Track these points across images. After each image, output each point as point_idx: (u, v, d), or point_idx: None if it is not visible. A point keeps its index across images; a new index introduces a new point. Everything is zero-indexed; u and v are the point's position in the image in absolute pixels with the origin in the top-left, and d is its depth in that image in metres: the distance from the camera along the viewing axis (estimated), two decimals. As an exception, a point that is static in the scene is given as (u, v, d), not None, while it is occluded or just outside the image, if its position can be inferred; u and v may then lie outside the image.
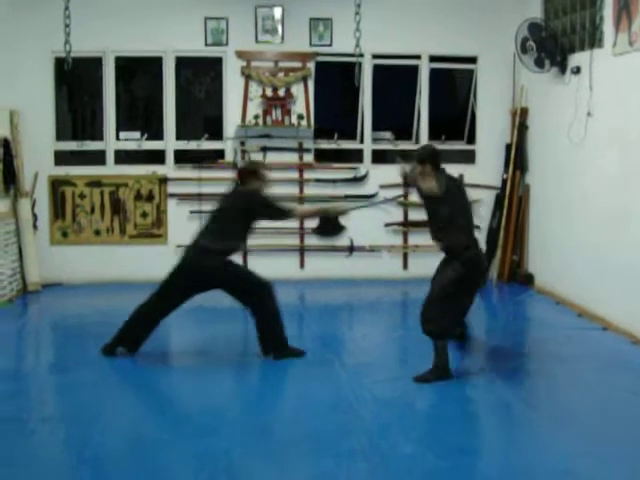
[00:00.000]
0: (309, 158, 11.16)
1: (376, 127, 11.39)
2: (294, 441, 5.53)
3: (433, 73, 11.35)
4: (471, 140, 11.58)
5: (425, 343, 6.78)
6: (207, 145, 11.13)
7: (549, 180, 10.22)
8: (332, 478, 4.91)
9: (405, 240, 11.30)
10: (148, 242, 11.08)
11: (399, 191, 10.92)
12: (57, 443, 5.52)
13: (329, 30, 11.00)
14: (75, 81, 11.62)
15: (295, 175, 11.04)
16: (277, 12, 10.89)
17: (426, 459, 5.15)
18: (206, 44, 10.93)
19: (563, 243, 9.71)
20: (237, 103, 10.99)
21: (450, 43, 11.16)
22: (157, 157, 11.11)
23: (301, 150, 11.12)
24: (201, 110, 12.25)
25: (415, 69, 11.30)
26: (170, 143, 11.08)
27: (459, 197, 6.85)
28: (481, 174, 11.24)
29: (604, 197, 8.63)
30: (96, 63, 10.94)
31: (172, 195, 11.03)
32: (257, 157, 10.93)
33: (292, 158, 11.06)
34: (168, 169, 11.05)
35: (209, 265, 7.16)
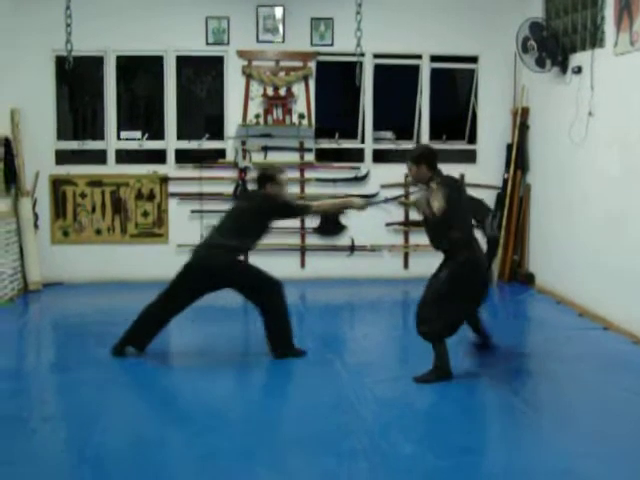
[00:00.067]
0: (310, 157, 11.16)
1: (377, 127, 11.39)
2: (295, 441, 5.53)
3: (434, 73, 11.34)
4: (472, 140, 11.58)
5: (426, 343, 6.76)
6: (208, 144, 11.12)
7: (550, 180, 10.22)
8: (333, 478, 4.91)
9: (406, 240, 11.31)
10: (149, 241, 11.08)
11: (400, 190, 10.92)
12: (58, 442, 5.53)
13: (330, 30, 11.00)
14: (76, 80, 11.62)
15: (296, 174, 11.03)
16: (278, 11, 10.89)
17: (427, 459, 5.15)
18: (207, 43, 10.93)
19: (564, 243, 9.71)
20: (238, 102, 11.00)
21: (451, 43, 11.15)
22: (158, 156, 11.11)
23: (302, 149, 11.12)
24: (202, 109, 12.26)
25: (416, 69, 11.30)
26: (171, 142, 11.08)
27: (457, 200, 6.67)
28: (482, 174, 11.24)
29: (605, 197, 8.63)
30: (97, 62, 10.94)
31: (173, 194, 11.03)
32: (258, 156, 10.96)
33: (293, 157, 11.06)
34: (169, 168, 11.05)
35: (219, 262, 7.14)
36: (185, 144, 11.12)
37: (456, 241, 6.57)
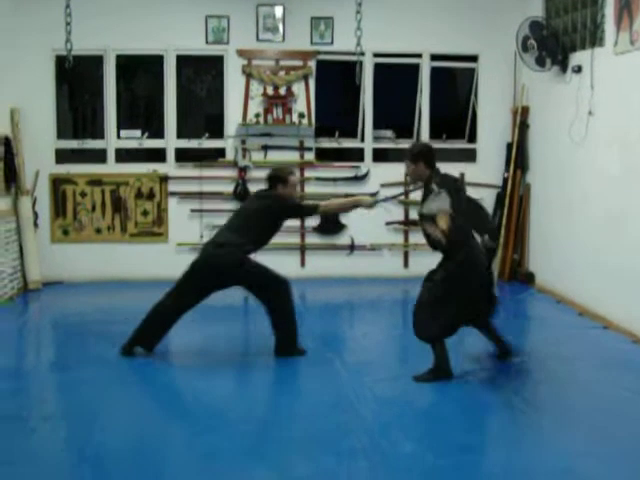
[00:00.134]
0: (310, 157, 11.16)
1: (377, 126, 11.40)
2: (295, 440, 5.53)
3: (434, 72, 11.34)
4: (472, 139, 11.58)
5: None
6: (208, 144, 11.13)
7: (550, 179, 10.22)
8: (333, 477, 4.91)
9: (406, 238, 11.31)
10: (149, 240, 11.08)
11: (400, 189, 10.92)
12: (58, 441, 5.53)
13: (330, 29, 11.00)
14: (76, 79, 11.62)
15: (296, 173, 11.02)
16: (278, 11, 10.89)
17: (426, 458, 5.15)
18: (207, 42, 10.93)
19: (564, 242, 9.71)
20: (238, 101, 11.00)
21: (451, 42, 11.15)
22: (158, 155, 11.11)
23: (302, 149, 11.12)
24: (202, 108, 12.26)
25: (416, 68, 11.29)
26: (171, 141, 11.08)
27: (456, 201, 6.50)
28: (482, 173, 11.24)
29: (605, 196, 8.63)
30: (97, 61, 10.93)
31: (173, 193, 11.03)
32: (258, 155, 10.96)
33: (293, 157, 11.06)
34: (169, 167, 11.05)
35: (227, 261, 7.12)
36: (185, 143, 11.12)
37: (454, 241, 6.41)
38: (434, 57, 11.28)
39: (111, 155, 11.02)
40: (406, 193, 10.59)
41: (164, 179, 11.00)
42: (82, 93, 12.04)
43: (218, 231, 7.50)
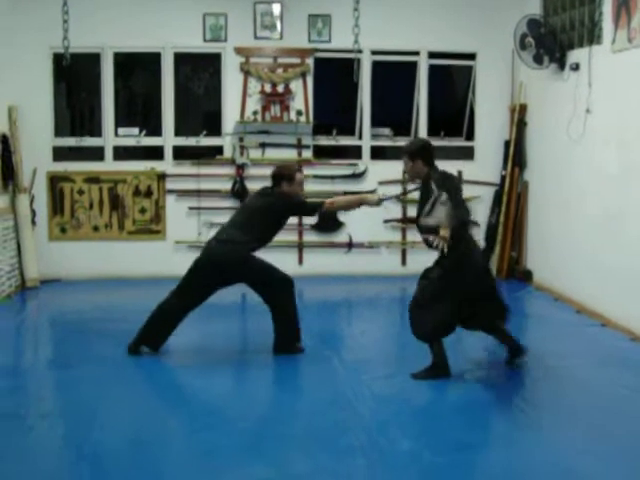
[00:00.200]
0: (308, 154, 11.16)
1: (375, 123, 11.40)
2: (293, 437, 5.54)
3: (432, 69, 11.34)
4: (470, 136, 11.58)
5: (423, 340, 6.77)
6: (206, 141, 11.13)
7: (548, 177, 10.22)
8: (331, 474, 4.91)
9: (404, 236, 11.31)
10: (147, 238, 11.07)
11: (398, 187, 10.93)
12: (56, 439, 5.52)
13: (328, 26, 10.99)
14: (74, 77, 11.61)
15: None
16: (276, 8, 10.88)
17: (424, 456, 5.15)
18: (205, 40, 10.92)
19: (561, 240, 9.71)
20: (236, 99, 10.99)
21: (449, 39, 11.15)
22: (156, 153, 11.10)
23: (300, 146, 11.12)
24: (200, 106, 12.25)
25: (414, 65, 11.29)
26: (169, 139, 11.07)
27: (456, 200, 6.35)
28: (480, 170, 11.25)
29: (602, 194, 8.63)
30: (94, 59, 10.92)
31: (171, 191, 11.03)
32: (256, 153, 10.96)
33: (291, 154, 11.05)
34: (167, 165, 11.05)
35: (231, 257, 7.10)
36: (183, 141, 11.11)
37: (450, 237, 6.27)
38: (432, 55, 11.28)
39: (109, 153, 11.02)
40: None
41: (162, 177, 11.00)
42: (80, 91, 12.02)
43: (221, 228, 7.46)
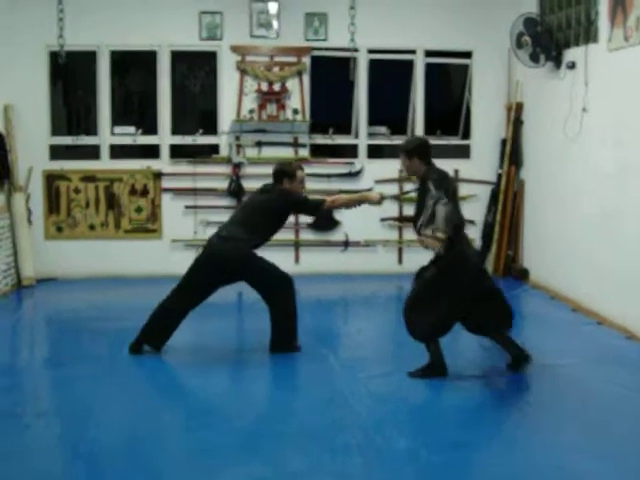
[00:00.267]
0: (304, 153, 11.16)
1: (371, 122, 11.40)
2: (289, 435, 5.54)
3: (428, 68, 11.34)
4: (466, 135, 11.58)
5: (420, 338, 6.77)
6: (202, 140, 11.12)
7: (544, 175, 10.22)
8: (327, 473, 4.90)
9: (400, 235, 11.32)
10: (143, 237, 11.06)
11: (394, 186, 10.95)
12: (52, 438, 5.51)
13: (324, 25, 10.98)
14: (70, 75, 11.60)
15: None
16: (272, 7, 10.87)
17: (420, 454, 5.15)
18: (201, 38, 10.91)
19: (558, 238, 9.71)
20: (232, 98, 10.98)
21: (445, 38, 11.15)
22: (152, 152, 11.09)
23: (296, 145, 11.12)
24: (196, 105, 12.24)
25: (410, 64, 11.29)
26: (165, 138, 11.06)
27: (451, 198, 6.36)
28: (476, 169, 11.26)
29: (599, 193, 8.63)
30: (91, 57, 10.90)
31: (167, 190, 11.02)
32: (252, 152, 10.95)
33: (287, 153, 11.04)
34: (163, 164, 11.04)
35: (231, 255, 7.09)
36: (179, 139, 11.10)
37: (447, 239, 6.21)
38: (428, 53, 11.28)
39: (105, 151, 11.00)
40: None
41: (158, 175, 10.99)
42: (76, 89, 12.01)
43: (222, 225, 7.44)
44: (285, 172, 7.38)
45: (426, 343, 6.62)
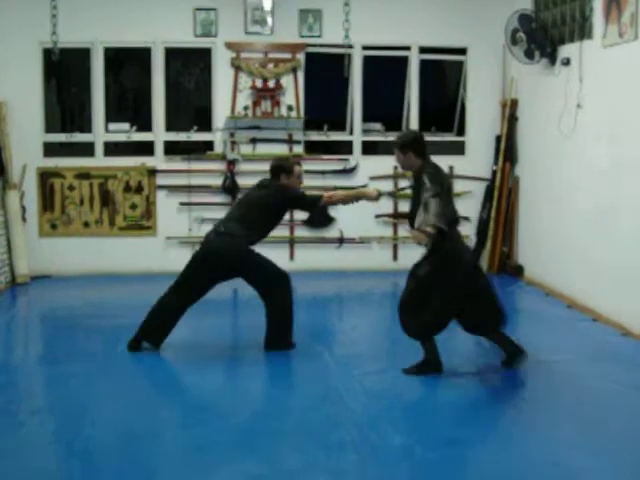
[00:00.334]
0: (299, 150, 11.14)
1: (366, 118, 11.38)
2: (284, 432, 5.53)
3: (423, 64, 11.33)
4: (461, 132, 11.58)
5: (415, 335, 6.76)
6: (196, 137, 11.10)
7: (539, 172, 10.22)
8: (322, 469, 4.90)
9: (395, 231, 11.31)
10: (137, 234, 11.04)
11: (389, 182, 10.95)
12: (46, 435, 5.50)
13: (319, 21, 10.97)
14: (64, 72, 11.55)
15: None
16: (267, 3, 10.83)
17: (415, 451, 5.15)
18: (195, 35, 10.89)
19: (553, 235, 9.72)
20: (226, 94, 10.97)
21: (440, 34, 11.14)
22: (146, 148, 11.07)
23: (291, 142, 11.11)
24: (190, 101, 12.21)
25: (405, 60, 11.28)
26: (159, 134, 11.04)
27: (445, 192, 6.34)
28: (471, 166, 11.26)
29: (593, 189, 8.63)
30: (85, 54, 10.88)
31: (161, 187, 11.00)
32: (247, 149, 10.94)
33: (282, 150, 11.02)
34: (157, 161, 11.02)
35: (229, 250, 7.08)
36: (173, 136, 11.08)
37: (439, 234, 6.12)
38: (423, 50, 11.26)
39: (99, 148, 10.98)
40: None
41: (152, 172, 10.97)
42: (70, 86, 11.96)
43: (219, 221, 7.43)
44: (282, 167, 7.38)
45: (422, 341, 6.62)
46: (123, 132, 11.01)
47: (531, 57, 9.74)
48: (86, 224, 10.96)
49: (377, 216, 11.12)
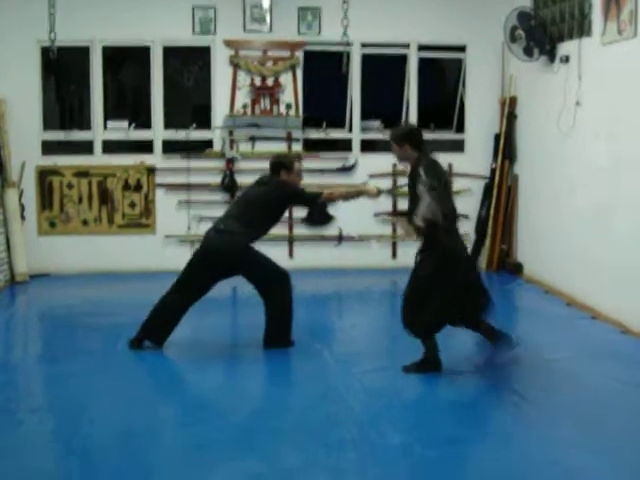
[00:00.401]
0: (298, 147, 11.13)
1: (365, 116, 11.38)
2: (284, 431, 5.53)
3: (422, 62, 11.33)
4: (460, 129, 11.57)
5: (414, 333, 6.76)
6: (195, 135, 11.08)
7: (538, 170, 10.22)
8: (322, 468, 4.90)
9: (394, 229, 11.30)
10: (136, 232, 11.04)
11: (388, 180, 10.94)
12: (45, 434, 5.50)
13: (317, 19, 10.96)
14: (62, 70, 11.54)
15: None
16: (265, 1, 10.83)
17: (415, 449, 5.15)
18: (194, 33, 10.88)
19: (552, 232, 9.71)
20: (225, 92, 10.96)
21: (439, 32, 11.13)
22: (145, 147, 11.06)
23: (290, 139, 11.10)
24: (189, 99, 12.20)
25: (404, 58, 11.27)
26: (158, 133, 11.03)
27: (442, 187, 6.32)
28: (470, 163, 11.25)
29: (592, 187, 8.63)
30: (83, 52, 10.87)
31: (160, 185, 10.99)
32: (245, 147, 10.93)
33: (281, 147, 11.01)
34: (156, 159, 11.01)
35: (229, 248, 7.05)
36: (172, 134, 11.07)
37: (430, 226, 6.15)
38: (422, 47, 11.26)
39: (98, 146, 10.98)
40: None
41: (151, 170, 10.97)
42: (69, 84, 11.95)
43: (219, 219, 7.41)
44: (282, 164, 7.38)
45: (423, 339, 6.61)
46: (122, 130, 10.98)
47: (530, 55, 9.74)
48: (85, 222, 10.95)
49: (376, 214, 11.12)
